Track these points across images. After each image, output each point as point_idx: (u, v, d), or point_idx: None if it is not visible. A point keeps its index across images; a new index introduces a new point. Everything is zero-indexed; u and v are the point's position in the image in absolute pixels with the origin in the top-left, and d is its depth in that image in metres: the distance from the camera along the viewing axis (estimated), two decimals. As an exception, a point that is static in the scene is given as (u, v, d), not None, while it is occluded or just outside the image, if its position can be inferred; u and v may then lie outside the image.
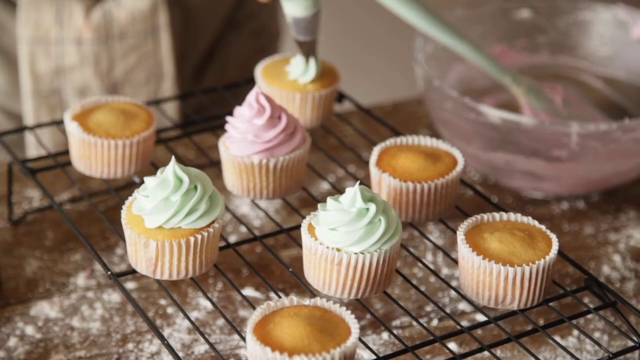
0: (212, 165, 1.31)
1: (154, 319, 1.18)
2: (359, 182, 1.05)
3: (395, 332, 1.18)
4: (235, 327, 1.16)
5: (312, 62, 1.27)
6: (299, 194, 1.35)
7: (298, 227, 1.13)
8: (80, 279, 1.24)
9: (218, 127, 1.33)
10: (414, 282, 1.24)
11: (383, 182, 1.14)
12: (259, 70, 1.32)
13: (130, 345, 1.15)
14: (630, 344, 1.13)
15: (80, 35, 1.50)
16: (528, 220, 1.09)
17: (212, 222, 1.05)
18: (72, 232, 1.30)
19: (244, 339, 1.02)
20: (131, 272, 1.08)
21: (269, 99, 1.16)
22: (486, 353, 1.11)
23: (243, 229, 1.32)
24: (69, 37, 1.50)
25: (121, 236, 1.10)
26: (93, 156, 1.20)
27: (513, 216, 1.10)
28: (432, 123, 1.53)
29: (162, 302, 1.21)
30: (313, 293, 1.07)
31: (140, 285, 1.23)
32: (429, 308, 1.21)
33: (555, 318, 1.17)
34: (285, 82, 1.28)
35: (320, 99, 1.28)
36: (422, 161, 1.15)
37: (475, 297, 1.06)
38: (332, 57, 1.43)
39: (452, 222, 1.22)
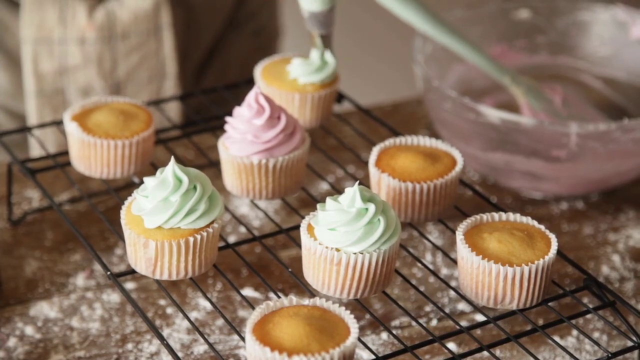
0: (211, 165, 1.32)
1: (153, 319, 1.18)
2: (358, 182, 1.05)
3: (394, 332, 1.18)
4: (235, 327, 1.16)
5: (328, 54, 1.28)
6: (298, 194, 1.35)
7: (297, 227, 1.13)
8: (80, 279, 1.24)
9: (217, 128, 1.33)
10: (413, 282, 1.24)
11: (382, 182, 1.14)
12: (259, 71, 1.32)
13: (129, 346, 1.15)
14: (630, 343, 1.13)
15: (84, 35, 1.50)
16: (527, 220, 1.09)
17: (212, 223, 1.05)
18: (72, 233, 1.30)
19: (243, 339, 1.02)
20: (130, 273, 1.08)
21: (268, 100, 1.16)
22: (485, 353, 1.11)
23: (242, 229, 1.32)
24: (72, 37, 1.50)
25: (121, 236, 1.10)
26: (92, 156, 1.20)
27: (512, 216, 1.10)
28: (432, 123, 1.53)
29: (162, 302, 1.21)
30: (312, 293, 1.07)
31: (140, 285, 1.23)
32: (428, 308, 1.21)
33: (554, 318, 1.17)
34: (285, 83, 1.28)
35: (319, 99, 1.28)
36: (421, 161, 1.15)
37: (475, 297, 1.06)
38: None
39: (452, 222, 1.22)
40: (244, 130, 1.15)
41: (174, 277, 1.05)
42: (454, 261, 1.12)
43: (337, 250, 1.02)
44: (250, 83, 1.39)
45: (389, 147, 1.19)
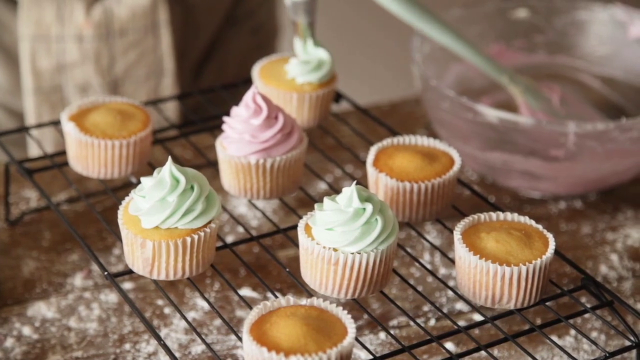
0: (209, 165, 1.31)
1: (151, 319, 1.18)
2: (355, 182, 1.05)
3: (392, 331, 1.18)
4: (233, 327, 1.16)
5: (309, 42, 1.29)
6: (296, 193, 1.35)
7: (295, 227, 1.12)
8: (78, 280, 1.24)
9: (215, 127, 1.33)
10: (411, 281, 1.24)
11: (380, 182, 1.14)
12: (256, 70, 1.31)
13: (127, 346, 1.15)
14: (627, 343, 1.12)
15: (81, 32, 1.50)
16: (525, 219, 1.09)
17: (209, 223, 1.05)
18: (70, 233, 1.30)
19: (240, 339, 1.01)
20: (128, 273, 1.08)
21: (265, 99, 1.16)
22: (483, 353, 1.11)
23: (240, 229, 1.32)
24: (69, 34, 1.50)
25: (118, 236, 1.10)
26: (90, 156, 1.20)
27: (510, 216, 1.10)
28: (430, 123, 1.53)
29: (159, 302, 1.21)
30: (310, 293, 1.07)
31: (138, 285, 1.23)
32: (426, 308, 1.21)
33: (552, 318, 1.17)
34: (283, 82, 1.28)
35: (317, 98, 1.28)
36: (419, 161, 1.15)
37: (472, 296, 1.06)
38: (329, 57, 1.43)
39: (450, 221, 1.22)
40: (242, 130, 1.15)
41: (171, 277, 1.05)
42: (452, 261, 1.12)
43: (335, 250, 1.02)
44: (248, 83, 1.39)
45: (387, 147, 1.19)
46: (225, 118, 1.17)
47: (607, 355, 1.03)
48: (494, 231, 1.06)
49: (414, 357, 1.01)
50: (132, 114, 1.23)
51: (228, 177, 1.18)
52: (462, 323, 1.18)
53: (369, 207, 1.02)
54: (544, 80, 1.52)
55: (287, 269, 1.11)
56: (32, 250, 1.28)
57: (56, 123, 1.30)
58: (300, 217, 1.08)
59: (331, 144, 1.45)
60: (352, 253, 1.01)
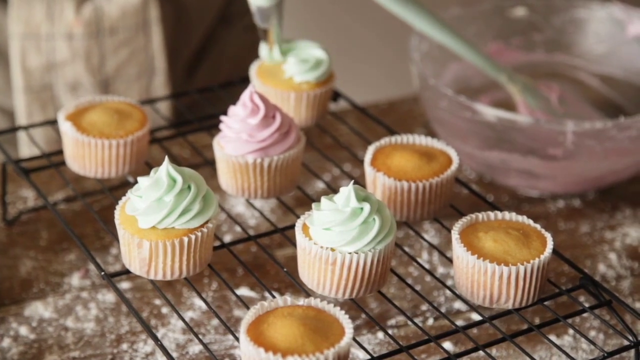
0: (207, 164, 1.31)
1: (148, 319, 1.18)
2: (352, 181, 1.04)
3: (390, 331, 1.17)
4: (230, 327, 1.16)
5: (275, 49, 1.28)
6: (294, 193, 1.35)
7: (293, 226, 1.12)
8: (75, 279, 1.24)
9: (213, 127, 1.33)
10: (410, 281, 1.24)
11: (378, 182, 1.14)
12: (254, 69, 1.31)
13: (124, 346, 1.15)
14: (626, 343, 1.12)
15: (71, 30, 1.50)
16: (523, 219, 1.09)
17: (206, 222, 1.05)
18: (67, 232, 1.29)
19: (237, 339, 1.01)
20: (125, 273, 1.08)
21: (263, 98, 1.15)
22: (482, 352, 1.11)
23: (238, 228, 1.31)
24: (59, 33, 1.49)
25: (115, 236, 1.10)
26: (87, 156, 1.20)
27: (508, 215, 1.09)
28: (428, 122, 1.52)
29: (157, 302, 1.21)
30: (308, 293, 1.07)
31: (135, 285, 1.23)
32: (424, 307, 1.21)
33: (550, 317, 1.17)
34: (280, 81, 1.28)
35: (315, 97, 1.28)
36: (416, 160, 1.15)
37: (470, 296, 1.06)
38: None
39: (448, 220, 1.22)
40: (239, 129, 1.15)
41: (168, 278, 1.05)
42: (450, 260, 1.12)
43: (332, 250, 1.01)
44: (245, 82, 1.38)
45: (385, 146, 1.19)
46: (222, 117, 1.17)
47: (606, 355, 1.03)
48: (492, 231, 1.06)
49: (412, 357, 1.01)
50: (129, 113, 1.23)
51: (225, 177, 1.18)
52: (460, 322, 1.18)
53: (367, 206, 1.01)
54: (543, 78, 1.51)
55: (285, 269, 1.11)
56: (29, 249, 1.28)
57: (53, 122, 1.30)
58: (298, 217, 1.08)
59: (329, 143, 1.44)
60: (350, 253, 1.01)
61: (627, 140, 1.30)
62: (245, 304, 1.07)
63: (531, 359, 1.01)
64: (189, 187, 1.04)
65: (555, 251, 1.10)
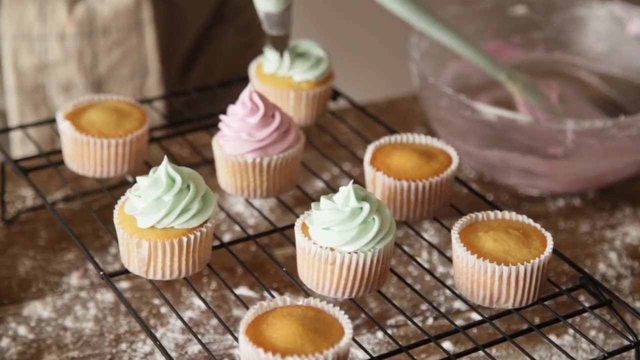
0: (206, 163, 1.31)
1: (147, 319, 1.18)
2: (352, 181, 1.04)
3: (390, 331, 1.17)
4: (230, 326, 1.15)
5: (286, 55, 1.26)
6: (293, 192, 1.34)
7: (292, 226, 1.12)
8: (74, 279, 1.23)
9: (212, 126, 1.32)
10: (409, 280, 1.24)
11: (377, 181, 1.14)
12: (253, 68, 1.31)
13: (123, 346, 1.15)
14: (626, 343, 1.12)
15: (64, 30, 1.49)
16: (523, 218, 1.09)
17: (205, 222, 1.04)
18: (66, 232, 1.29)
19: (236, 339, 1.01)
20: (124, 272, 1.07)
21: (262, 98, 1.15)
22: (481, 352, 1.11)
23: (237, 228, 1.31)
24: (52, 33, 1.49)
25: (114, 236, 1.09)
26: (86, 155, 1.19)
27: (508, 215, 1.09)
28: (428, 120, 1.52)
29: (156, 301, 1.20)
30: (307, 292, 1.06)
31: (134, 284, 1.23)
32: (424, 307, 1.21)
33: (550, 317, 1.17)
34: (279, 80, 1.28)
35: (314, 96, 1.28)
36: (416, 159, 1.14)
37: (470, 296, 1.05)
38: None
39: (447, 220, 1.21)
40: (238, 128, 1.15)
41: (167, 277, 1.04)
42: (450, 259, 1.12)
43: (332, 249, 1.01)
44: (244, 80, 1.38)
45: (384, 145, 1.18)
46: (221, 116, 1.16)
47: (606, 355, 1.03)
48: (491, 230, 1.06)
49: (412, 357, 1.01)
50: (128, 112, 1.22)
51: (225, 176, 1.18)
52: (460, 322, 1.18)
53: (366, 206, 1.01)
54: (542, 77, 1.51)
55: (284, 269, 1.11)
56: (28, 249, 1.27)
57: (51, 121, 1.30)
58: (298, 216, 1.08)
59: (328, 141, 1.44)
60: (349, 253, 1.01)
61: (627, 139, 1.30)
62: (245, 303, 1.06)
63: (531, 359, 1.01)
64: (188, 187, 1.03)
65: (555, 251, 1.09)
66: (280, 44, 1.26)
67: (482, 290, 1.04)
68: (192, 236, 1.03)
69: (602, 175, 1.36)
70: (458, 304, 1.21)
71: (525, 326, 1.16)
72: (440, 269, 1.26)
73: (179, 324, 1.17)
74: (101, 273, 1.07)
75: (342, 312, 0.96)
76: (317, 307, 0.97)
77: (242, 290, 1.22)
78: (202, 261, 1.06)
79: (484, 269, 1.03)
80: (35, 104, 1.53)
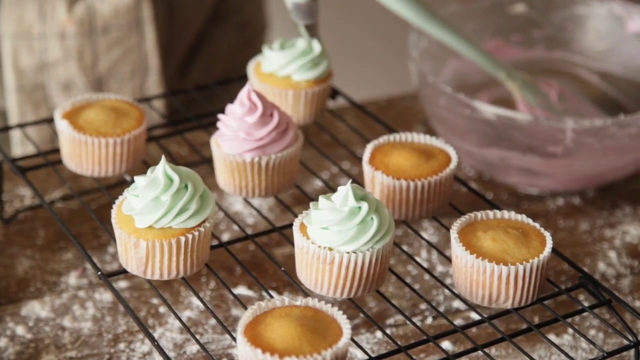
0: (204, 162, 1.31)
1: (146, 319, 1.18)
2: (350, 180, 1.04)
3: (389, 330, 1.17)
4: (228, 326, 1.15)
5: (315, 42, 1.28)
6: (292, 191, 1.34)
7: (291, 225, 1.11)
8: (72, 278, 1.23)
9: (210, 125, 1.32)
10: (408, 279, 1.24)
11: (376, 180, 1.14)
12: (251, 67, 1.31)
13: (121, 345, 1.14)
14: (626, 342, 1.12)
15: (64, 29, 1.49)
16: (522, 218, 1.08)
17: (203, 222, 1.04)
18: (64, 231, 1.29)
19: (235, 339, 1.01)
20: (122, 272, 1.07)
21: (260, 97, 1.15)
22: (481, 352, 1.10)
23: (236, 227, 1.31)
24: (52, 32, 1.49)
25: (112, 235, 1.09)
26: (84, 155, 1.19)
27: (507, 214, 1.09)
28: (427, 119, 1.52)
29: (155, 301, 1.20)
30: (306, 292, 1.06)
31: (132, 284, 1.22)
32: (423, 306, 1.20)
33: (550, 316, 1.16)
34: (278, 79, 1.27)
35: (313, 95, 1.27)
36: (415, 158, 1.14)
37: (469, 295, 1.05)
38: (325, 53, 1.42)
39: (446, 219, 1.21)
40: (237, 127, 1.14)
41: (165, 277, 1.04)
42: (449, 259, 1.12)
43: (330, 249, 1.01)
44: (242, 79, 1.38)
45: (383, 144, 1.18)
46: (220, 115, 1.16)
47: (605, 355, 1.02)
48: (490, 230, 1.05)
49: (410, 357, 1.00)
50: (126, 111, 1.22)
51: (223, 175, 1.17)
52: (459, 321, 1.18)
53: (365, 206, 1.01)
54: (542, 75, 1.51)
55: (283, 268, 1.11)
56: (26, 248, 1.27)
57: (49, 121, 1.29)
58: (296, 215, 1.08)
59: (327, 140, 1.44)
60: (348, 252, 1.01)
61: (626, 138, 1.30)
62: (243, 303, 1.06)
63: (530, 359, 1.00)
64: (186, 187, 1.03)
65: (554, 250, 1.09)
66: (310, 33, 1.28)
67: (481, 289, 1.04)
68: (190, 236, 1.03)
69: (601, 174, 1.36)
70: (457, 304, 1.20)
71: (524, 326, 1.15)
72: (439, 268, 1.26)
73: (178, 323, 1.17)
74: (99, 273, 1.06)
75: (341, 312, 0.95)
76: (316, 307, 0.96)
77: (241, 290, 1.22)
78: (201, 261, 1.06)
79: (483, 269, 1.02)
80: (35, 103, 1.53)
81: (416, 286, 1.23)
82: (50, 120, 1.29)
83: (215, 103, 1.36)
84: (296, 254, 1.04)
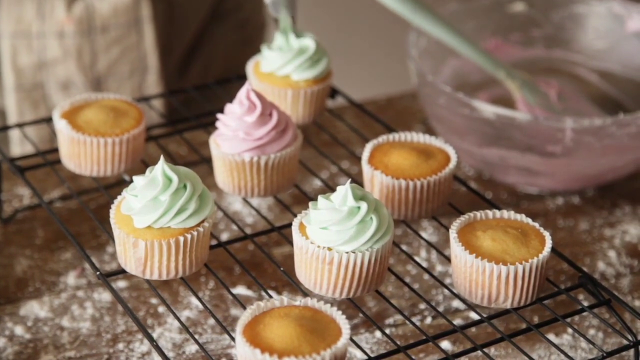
0: (203, 162, 1.30)
1: (145, 318, 1.17)
2: (350, 180, 1.04)
3: (389, 330, 1.17)
4: (227, 326, 1.15)
5: (291, 36, 1.27)
6: (291, 191, 1.34)
7: (290, 225, 1.11)
8: (71, 278, 1.23)
9: (209, 124, 1.32)
10: (408, 279, 1.23)
11: (375, 180, 1.13)
12: (251, 67, 1.30)
13: (120, 345, 1.14)
14: (625, 342, 1.11)
15: (62, 28, 1.49)
16: (521, 217, 1.08)
17: (202, 221, 1.04)
18: (63, 231, 1.29)
19: (234, 339, 1.01)
20: (121, 272, 1.07)
21: (259, 96, 1.15)
22: (480, 352, 1.10)
23: (235, 227, 1.31)
24: (50, 31, 1.49)
25: (111, 235, 1.09)
26: (82, 154, 1.19)
27: (506, 214, 1.09)
28: (426, 118, 1.52)
29: (154, 301, 1.20)
30: (305, 292, 1.06)
31: (131, 284, 1.22)
32: (422, 306, 1.20)
33: (549, 316, 1.16)
34: (277, 79, 1.27)
35: (312, 94, 1.27)
36: (414, 158, 1.14)
37: (468, 295, 1.05)
38: (324, 52, 1.42)
39: (446, 218, 1.21)
40: (236, 127, 1.14)
41: (164, 277, 1.04)
42: (448, 258, 1.11)
43: (329, 249, 1.01)
44: (241, 79, 1.38)
45: (382, 144, 1.18)
46: (219, 115, 1.16)
47: (605, 354, 1.02)
48: (490, 229, 1.05)
49: (410, 357, 1.00)
50: (125, 111, 1.22)
51: (222, 175, 1.17)
52: (458, 321, 1.18)
53: (364, 205, 1.01)
54: (541, 74, 1.51)
55: (282, 268, 1.10)
56: (25, 248, 1.27)
57: (48, 120, 1.29)
58: (296, 215, 1.08)
59: (327, 140, 1.44)
60: (347, 252, 1.00)
61: (626, 137, 1.30)
62: (242, 303, 1.06)
63: (530, 359, 1.00)
64: (185, 186, 1.03)
65: (554, 250, 1.09)
66: (287, 27, 1.27)
67: (480, 289, 1.03)
68: (189, 236, 1.03)
69: (601, 173, 1.36)
70: (456, 303, 1.20)
71: (523, 326, 1.15)
72: (438, 268, 1.26)
73: (176, 323, 1.17)
74: (98, 273, 1.06)
75: (340, 312, 0.95)
76: (315, 307, 0.96)
77: (240, 290, 1.22)
78: (200, 261, 1.06)
79: (482, 269, 1.02)
80: (34, 102, 1.53)
81: (415, 286, 1.23)
82: (49, 120, 1.29)
83: (215, 102, 1.36)
84: (295, 254, 1.04)
